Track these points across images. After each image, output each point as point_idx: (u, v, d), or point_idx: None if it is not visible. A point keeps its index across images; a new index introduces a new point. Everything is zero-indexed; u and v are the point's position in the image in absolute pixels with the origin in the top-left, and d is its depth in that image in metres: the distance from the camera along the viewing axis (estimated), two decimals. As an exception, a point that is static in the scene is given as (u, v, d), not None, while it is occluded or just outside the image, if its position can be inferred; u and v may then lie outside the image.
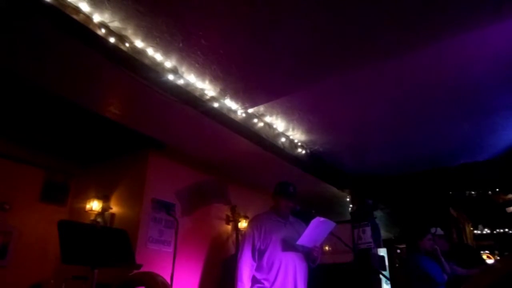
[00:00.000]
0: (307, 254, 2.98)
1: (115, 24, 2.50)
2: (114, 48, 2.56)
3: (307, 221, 2.82)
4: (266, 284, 2.81)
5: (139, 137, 3.95)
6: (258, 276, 2.85)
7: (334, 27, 2.52)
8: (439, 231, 3.80)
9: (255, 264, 2.88)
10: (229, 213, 4.88)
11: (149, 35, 2.61)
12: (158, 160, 4.20)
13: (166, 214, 3.99)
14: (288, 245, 2.90)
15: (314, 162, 4.59)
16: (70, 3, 2.32)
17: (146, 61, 2.76)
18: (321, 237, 2.92)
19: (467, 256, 4.28)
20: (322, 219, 2.77)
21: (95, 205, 4.11)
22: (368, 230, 5.01)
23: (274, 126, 3.94)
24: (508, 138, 4.22)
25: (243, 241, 2.99)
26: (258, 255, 2.91)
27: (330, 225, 2.84)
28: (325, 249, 5.14)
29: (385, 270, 4.92)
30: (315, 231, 2.81)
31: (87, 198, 4.23)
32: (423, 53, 2.76)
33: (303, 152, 4.39)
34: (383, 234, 6.14)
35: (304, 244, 2.86)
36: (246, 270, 2.83)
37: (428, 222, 5.19)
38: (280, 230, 2.97)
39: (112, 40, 2.53)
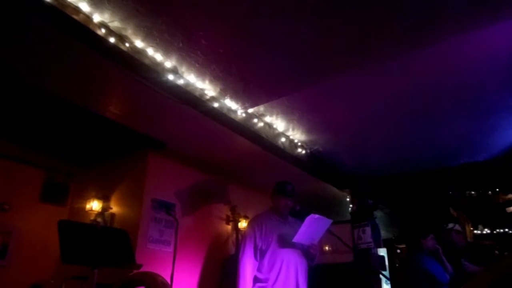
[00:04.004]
0: (306, 253, 2.98)
1: (115, 24, 2.50)
2: (114, 48, 2.56)
3: None
4: (268, 283, 2.81)
5: (139, 137, 3.94)
6: (260, 275, 2.84)
7: (334, 27, 2.52)
8: (457, 227, 3.84)
9: (257, 263, 2.88)
10: (229, 213, 4.88)
11: (149, 35, 2.61)
12: (158, 160, 4.19)
13: (166, 214, 3.98)
14: (289, 243, 2.90)
15: (314, 162, 4.59)
16: (70, 3, 2.32)
17: (146, 61, 2.76)
18: (318, 235, 2.92)
19: (481, 254, 4.29)
20: (316, 216, 2.77)
21: (95, 205, 4.10)
22: (368, 230, 5.01)
23: (274, 126, 3.94)
24: (508, 138, 4.22)
25: (244, 241, 2.97)
26: (260, 255, 2.90)
27: (326, 222, 2.85)
28: (325, 249, 5.15)
29: (385, 270, 4.92)
30: (310, 228, 2.82)
31: (87, 198, 4.22)
32: (423, 53, 2.76)
33: (303, 152, 4.39)
34: (383, 234, 6.14)
35: (301, 242, 2.86)
36: (248, 269, 2.82)
37: (429, 222, 5.18)
38: (281, 229, 2.98)
39: (112, 40, 2.53)
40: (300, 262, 2.94)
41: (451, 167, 5.03)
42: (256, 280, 2.83)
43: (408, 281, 3.74)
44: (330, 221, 2.86)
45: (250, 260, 2.86)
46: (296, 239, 2.82)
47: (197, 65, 2.91)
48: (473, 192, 6.21)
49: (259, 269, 2.87)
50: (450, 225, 3.84)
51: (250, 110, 3.61)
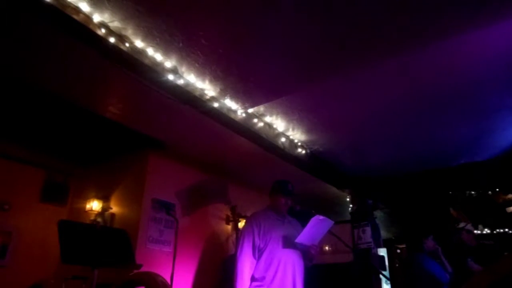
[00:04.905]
0: (305, 253, 2.98)
1: (115, 24, 2.50)
2: (114, 48, 2.56)
3: (306, 221, 2.82)
4: (265, 282, 2.79)
5: (139, 137, 3.94)
6: (256, 274, 2.82)
7: (334, 27, 2.52)
8: (469, 226, 3.84)
9: (255, 262, 2.85)
10: (229, 213, 4.88)
11: (149, 35, 2.61)
12: (158, 160, 4.20)
13: (166, 214, 3.99)
14: (287, 243, 2.89)
15: (314, 162, 4.59)
16: (70, 3, 2.32)
17: (146, 61, 2.76)
18: (319, 236, 2.92)
19: (488, 254, 4.30)
20: (321, 217, 2.78)
21: (95, 205, 4.11)
22: (368, 230, 5.02)
23: (274, 126, 3.94)
24: (508, 138, 4.22)
25: (242, 238, 2.92)
26: (257, 253, 2.89)
27: (329, 223, 2.85)
28: (325, 249, 5.15)
29: (385, 270, 4.92)
30: (314, 229, 2.81)
31: (87, 198, 4.23)
32: (423, 53, 2.76)
33: (303, 152, 4.39)
34: (383, 234, 6.14)
35: (303, 242, 2.86)
36: (246, 267, 2.79)
37: (429, 222, 5.18)
38: (279, 228, 2.97)
39: (112, 40, 2.53)
40: (298, 262, 2.92)
41: (451, 167, 5.03)
42: (252, 279, 2.81)
43: (408, 281, 3.75)
44: (332, 222, 2.86)
45: (248, 258, 2.83)
46: (299, 239, 2.81)
47: (197, 65, 2.91)
48: (473, 192, 6.21)
49: (255, 268, 2.85)
50: (462, 224, 3.85)
51: (250, 110, 3.61)
